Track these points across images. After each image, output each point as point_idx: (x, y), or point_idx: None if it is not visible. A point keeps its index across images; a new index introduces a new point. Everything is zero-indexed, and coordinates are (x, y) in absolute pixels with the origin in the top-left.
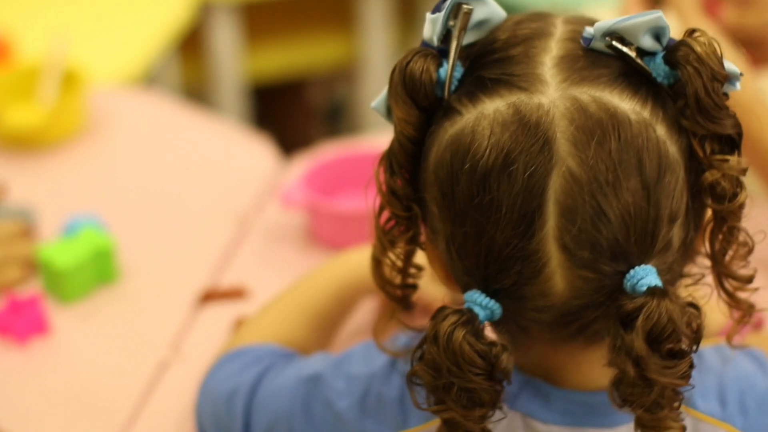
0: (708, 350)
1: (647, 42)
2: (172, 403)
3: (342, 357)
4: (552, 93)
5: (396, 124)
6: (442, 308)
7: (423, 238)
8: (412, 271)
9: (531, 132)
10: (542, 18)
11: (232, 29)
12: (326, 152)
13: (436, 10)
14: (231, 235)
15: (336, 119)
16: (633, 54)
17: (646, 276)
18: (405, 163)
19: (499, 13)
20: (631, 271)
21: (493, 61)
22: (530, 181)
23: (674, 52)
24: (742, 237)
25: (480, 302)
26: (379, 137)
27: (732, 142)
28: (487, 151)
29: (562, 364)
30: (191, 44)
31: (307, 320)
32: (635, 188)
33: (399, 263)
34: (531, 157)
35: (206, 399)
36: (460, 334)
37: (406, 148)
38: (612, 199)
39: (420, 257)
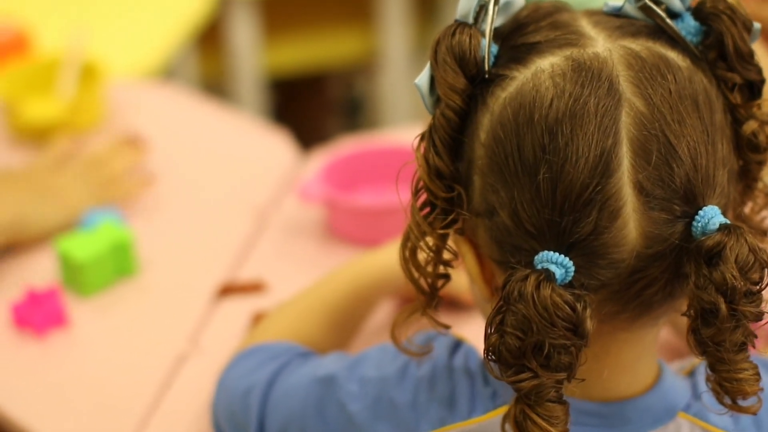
0: None
1: (676, 2)
2: (190, 397)
3: (356, 359)
4: (603, 44)
5: (442, 96)
6: (514, 271)
7: (459, 225)
8: (447, 257)
9: (594, 76)
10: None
11: (251, 23)
12: (345, 147)
13: None
14: (249, 229)
15: (354, 114)
16: (664, 15)
17: (715, 215)
18: (449, 139)
19: None
20: (701, 212)
21: (529, 32)
22: (603, 121)
23: (703, 6)
24: (761, 185)
25: (555, 260)
26: (398, 132)
27: (757, 89)
28: (555, 99)
29: (588, 365)
30: (210, 38)
31: (326, 319)
32: (697, 126)
33: (433, 249)
34: (600, 98)
35: (222, 396)
36: (548, 287)
37: (452, 121)
38: (680, 135)
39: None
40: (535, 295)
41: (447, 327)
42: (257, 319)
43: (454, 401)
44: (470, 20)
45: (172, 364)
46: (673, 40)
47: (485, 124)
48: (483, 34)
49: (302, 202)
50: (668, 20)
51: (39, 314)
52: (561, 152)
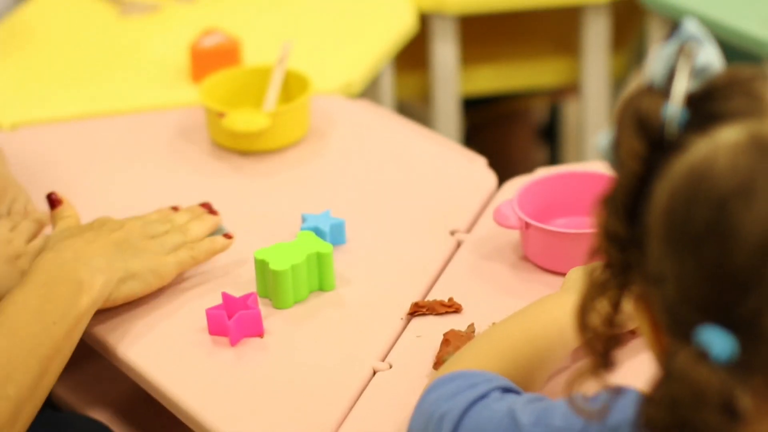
0: None
1: None
2: (380, 413)
3: (548, 405)
4: None
5: (623, 159)
6: (672, 345)
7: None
8: (620, 319)
9: None
10: (756, 67)
11: (453, 42)
12: (541, 173)
13: (666, 42)
14: (444, 250)
15: (551, 141)
16: None
17: None
18: (627, 203)
19: (717, 62)
20: None
21: (719, 100)
22: None
23: None
24: None
25: (716, 336)
26: (593, 163)
27: None
28: (727, 175)
29: None
30: (410, 56)
31: (525, 354)
32: None
33: (607, 311)
34: None
35: (418, 417)
36: (702, 363)
37: (631, 186)
38: None
39: None
40: (686, 372)
41: (618, 391)
42: (449, 339)
43: None
44: (659, 82)
45: (364, 379)
46: None
47: (664, 190)
48: (671, 98)
49: (498, 225)
50: None
51: (234, 322)
52: (727, 232)
